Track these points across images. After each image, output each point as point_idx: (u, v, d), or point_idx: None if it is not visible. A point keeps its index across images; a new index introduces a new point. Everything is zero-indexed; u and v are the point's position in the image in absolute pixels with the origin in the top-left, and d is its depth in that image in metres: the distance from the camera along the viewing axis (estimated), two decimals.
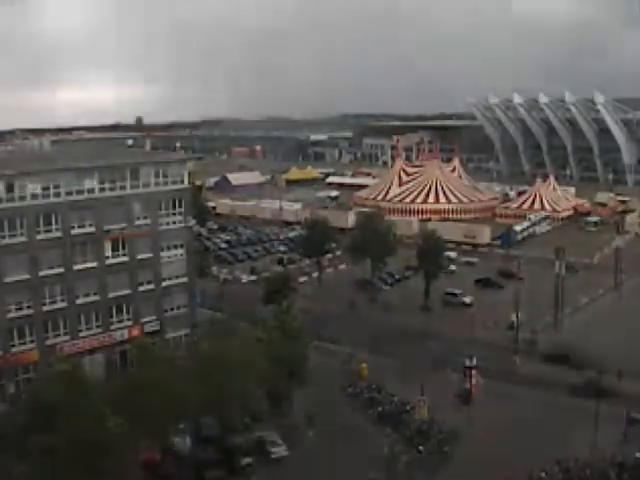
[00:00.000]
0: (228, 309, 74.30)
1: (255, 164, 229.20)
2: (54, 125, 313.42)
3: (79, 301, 57.49)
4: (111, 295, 59.20)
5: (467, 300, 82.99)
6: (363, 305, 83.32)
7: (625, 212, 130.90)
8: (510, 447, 48.97)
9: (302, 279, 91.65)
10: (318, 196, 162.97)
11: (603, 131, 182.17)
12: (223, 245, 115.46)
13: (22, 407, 44.59)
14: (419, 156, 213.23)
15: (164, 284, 62.36)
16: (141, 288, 61.06)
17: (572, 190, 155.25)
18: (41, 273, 55.20)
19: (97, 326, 58.77)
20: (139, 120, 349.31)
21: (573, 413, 53.32)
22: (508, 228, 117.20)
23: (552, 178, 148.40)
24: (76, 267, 56.95)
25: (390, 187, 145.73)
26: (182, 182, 63.59)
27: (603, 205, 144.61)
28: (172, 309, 63.27)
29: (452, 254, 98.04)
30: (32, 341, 55.31)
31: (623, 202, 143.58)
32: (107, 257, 58.83)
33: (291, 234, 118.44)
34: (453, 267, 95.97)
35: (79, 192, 56.94)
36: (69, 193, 56.35)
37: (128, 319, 60.51)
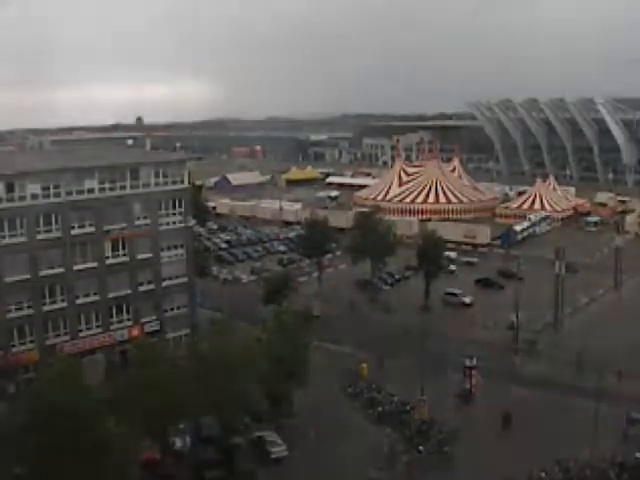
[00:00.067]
0: (228, 309, 74.28)
1: (255, 164, 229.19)
2: (54, 125, 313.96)
3: (79, 301, 57.52)
4: (111, 295, 59.23)
5: (467, 300, 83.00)
6: (363, 305, 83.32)
7: (625, 212, 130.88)
8: (510, 447, 48.98)
9: (302, 279, 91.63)
10: (318, 196, 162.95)
11: (603, 131, 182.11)
12: (223, 245, 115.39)
13: (22, 407, 44.52)
14: (419, 156, 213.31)
15: (164, 284, 62.36)
16: (141, 288, 61.09)
17: (572, 190, 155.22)
18: (41, 273, 55.24)
19: (97, 326, 58.81)
20: (139, 120, 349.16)
21: (573, 413, 53.32)
22: (508, 228, 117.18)
23: (552, 178, 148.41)
24: (76, 267, 56.99)
25: (390, 187, 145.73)
26: (182, 182, 63.61)
27: (603, 205, 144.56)
28: (172, 309, 63.29)
29: (452, 254, 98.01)
30: (32, 341, 55.37)
31: (623, 202, 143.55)
32: (107, 257, 58.87)
33: (291, 234, 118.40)
34: (453, 267, 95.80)
35: (79, 192, 56.98)
36: (69, 193, 56.38)
37: (128, 319, 60.53)
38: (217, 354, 48.06)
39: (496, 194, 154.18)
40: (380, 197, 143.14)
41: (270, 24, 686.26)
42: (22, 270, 54.29)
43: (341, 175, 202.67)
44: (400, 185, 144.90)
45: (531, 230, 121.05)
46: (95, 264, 58.07)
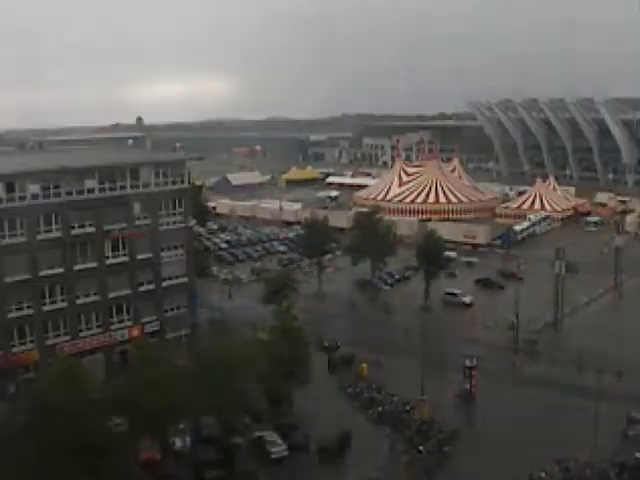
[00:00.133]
0: (228, 309, 74.25)
1: (255, 164, 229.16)
2: (54, 125, 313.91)
3: (79, 301, 57.49)
4: (111, 295, 59.20)
5: (467, 300, 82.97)
6: (363, 305, 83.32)
7: (625, 212, 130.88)
8: (510, 447, 48.96)
9: (302, 279, 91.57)
10: (318, 196, 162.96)
11: (603, 131, 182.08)
12: (223, 245, 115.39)
13: (22, 407, 44.52)
14: (419, 156, 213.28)
15: (164, 284, 62.33)
16: (141, 288, 61.05)
17: (572, 190, 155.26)
18: (41, 273, 55.20)
19: (97, 326, 58.77)
20: (139, 120, 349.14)
21: (573, 413, 53.31)
22: (508, 228, 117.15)
23: (552, 178, 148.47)
24: (76, 267, 56.96)
25: (390, 187, 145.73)
26: (182, 182, 63.58)
27: (603, 205, 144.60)
28: (172, 309, 63.23)
29: (452, 254, 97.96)
30: (32, 341, 55.32)
31: (623, 202, 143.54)
32: (107, 257, 58.83)
33: (291, 234, 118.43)
34: (456, 272, 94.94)
35: (79, 192, 56.94)
36: (69, 193, 56.35)
37: (128, 319, 60.50)
38: (217, 354, 48.08)
39: (496, 194, 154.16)
40: (380, 197, 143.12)
41: (270, 24, 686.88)
42: (22, 270, 54.26)
43: (341, 175, 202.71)
44: (400, 185, 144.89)
45: (531, 230, 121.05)
46: (95, 264, 58.02)
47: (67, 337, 56.95)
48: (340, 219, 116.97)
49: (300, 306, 67.77)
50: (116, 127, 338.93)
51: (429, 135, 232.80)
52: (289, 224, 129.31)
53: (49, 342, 55.95)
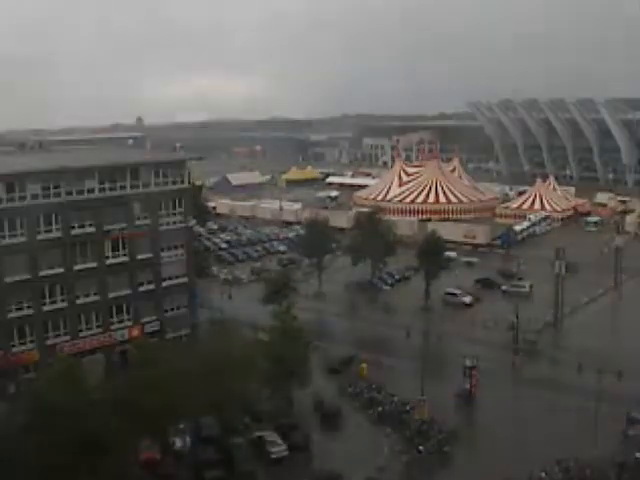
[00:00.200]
0: (228, 309, 74.26)
1: (255, 164, 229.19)
2: (54, 125, 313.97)
3: (79, 301, 57.51)
4: (111, 295, 59.21)
5: (467, 300, 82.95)
6: (363, 305, 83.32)
7: (625, 212, 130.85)
8: (510, 447, 48.97)
9: (302, 279, 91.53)
10: (318, 196, 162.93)
11: (603, 131, 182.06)
12: (223, 245, 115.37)
13: (22, 407, 44.53)
14: (419, 156, 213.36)
15: (164, 284, 62.34)
16: (141, 288, 61.07)
17: (572, 190, 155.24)
18: (41, 273, 55.22)
19: (97, 326, 58.79)
20: (139, 120, 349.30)
21: (573, 413, 53.30)
22: (508, 228, 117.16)
23: (552, 178, 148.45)
24: (76, 267, 56.97)
25: (390, 187, 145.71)
26: (182, 182, 63.58)
27: (603, 205, 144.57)
28: (172, 309, 63.25)
29: (452, 254, 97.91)
30: (32, 341, 55.35)
31: (623, 202, 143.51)
32: (107, 257, 58.86)
33: (291, 234, 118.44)
34: (457, 272, 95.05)
35: (79, 192, 56.95)
36: (69, 193, 56.35)
37: (128, 319, 60.51)
38: (217, 354, 48.06)
39: (496, 194, 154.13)
40: (380, 197, 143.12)
41: (270, 24, 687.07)
42: (22, 270, 54.28)
43: (341, 175, 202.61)
44: (400, 185, 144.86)
45: (531, 230, 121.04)
46: (95, 264, 58.04)
47: (67, 337, 56.97)
48: (340, 219, 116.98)
49: (300, 306, 67.75)
50: (116, 127, 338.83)
51: (429, 135, 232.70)
52: (289, 224, 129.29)
53: (49, 342, 55.98)
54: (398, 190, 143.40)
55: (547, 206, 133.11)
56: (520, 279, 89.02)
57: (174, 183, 62.81)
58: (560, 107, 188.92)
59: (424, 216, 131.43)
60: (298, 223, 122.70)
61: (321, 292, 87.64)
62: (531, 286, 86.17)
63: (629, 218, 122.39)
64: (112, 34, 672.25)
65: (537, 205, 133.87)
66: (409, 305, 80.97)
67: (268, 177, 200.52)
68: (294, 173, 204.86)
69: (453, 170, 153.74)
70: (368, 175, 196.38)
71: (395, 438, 50.88)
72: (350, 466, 46.80)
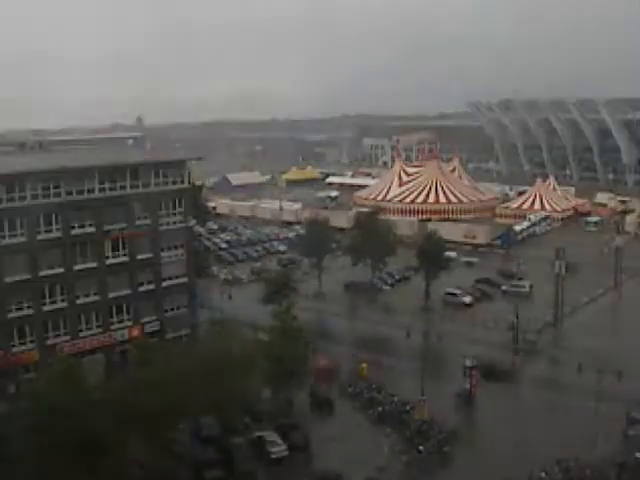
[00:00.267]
0: (228, 309, 74.26)
1: (255, 164, 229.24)
2: (54, 125, 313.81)
3: (79, 301, 57.50)
4: (111, 295, 59.20)
5: (467, 300, 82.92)
6: (363, 305, 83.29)
7: (625, 212, 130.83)
8: (510, 447, 48.96)
9: (302, 279, 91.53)
10: (318, 196, 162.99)
11: (603, 131, 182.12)
12: (223, 245, 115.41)
13: (22, 407, 44.53)
14: (419, 156, 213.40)
15: (164, 284, 62.34)
16: (141, 288, 61.06)
17: (572, 190, 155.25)
18: (41, 273, 55.21)
19: (97, 326, 58.78)
20: (139, 120, 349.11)
21: (573, 413, 53.30)
22: (508, 228, 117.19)
23: (552, 178, 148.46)
24: (76, 267, 56.97)
25: (390, 187, 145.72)
26: (182, 182, 63.57)
27: (603, 205, 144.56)
28: (172, 309, 63.24)
29: (452, 254, 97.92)
30: (32, 341, 55.33)
31: (623, 202, 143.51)
32: (107, 257, 58.85)
33: (291, 234, 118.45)
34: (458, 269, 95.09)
35: (79, 192, 56.94)
36: (69, 193, 56.34)
37: (128, 319, 60.51)
38: (217, 354, 48.05)
39: (496, 194, 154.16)
40: (380, 197, 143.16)
41: (269, 23, 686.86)
42: (22, 270, 54.28)
43: (341, 175, 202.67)
44: (400, 185, 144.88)
45: (531, 230, 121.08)
46: (95, 264, 58.03)
47: (67, 337, 56.96)
48: (340, 219, 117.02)
49: (300, 306, 67.73)
50: (116, 127, 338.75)
51: (429, 135, 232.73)
52: (289, 224, 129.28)
53: (49, 342, 55.96)
54: (398, 190, 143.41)
55: (547, 206, 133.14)
56: (520, 279, 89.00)
57: (174, 183, 62.80)
58: (560, 107, 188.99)
59: (424, 216, 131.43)
60: (298, 223, 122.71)
61: (321, 292, 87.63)
62: (531, 286, 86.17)
63: (629, 218, 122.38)
64: (111, 34, 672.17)
65: (537, 205, 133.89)
66: (409, 305, 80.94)
67: (268, 177, 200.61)
68: (294, 173, 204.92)
69: (453, 170, 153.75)
70: (368, 175, 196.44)
71: (395, 438, 50.87)
72: (350, 466, 46.78)
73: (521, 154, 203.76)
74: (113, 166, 60.27)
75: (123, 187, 59.48)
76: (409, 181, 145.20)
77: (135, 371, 48.02)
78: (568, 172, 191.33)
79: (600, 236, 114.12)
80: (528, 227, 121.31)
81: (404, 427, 52.11)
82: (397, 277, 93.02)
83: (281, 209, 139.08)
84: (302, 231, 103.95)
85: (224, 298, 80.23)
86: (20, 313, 54.63)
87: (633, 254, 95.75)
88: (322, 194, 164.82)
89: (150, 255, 61.24)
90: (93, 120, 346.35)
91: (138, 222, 60.38)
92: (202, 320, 64.96)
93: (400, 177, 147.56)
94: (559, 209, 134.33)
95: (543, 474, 44.86)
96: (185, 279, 64.00)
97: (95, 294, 58.42)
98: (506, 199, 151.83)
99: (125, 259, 59.79)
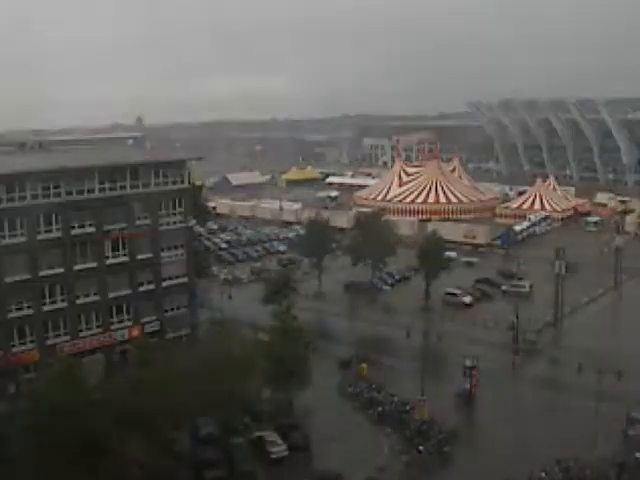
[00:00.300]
0: (228, 309, 74.26)
1: (255, 164, 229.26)
2: (54, 125, 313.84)
3: (79, 301, 57.50)
4: (111, 295, 59.20)
5: (467, 300, 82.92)
6: (363, 305, 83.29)
7: (625, 212, 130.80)
8: (510, 447, 48.95)
9: (302, 279, 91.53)
10: (318, 196, 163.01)
11: (603, 131, 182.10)
12: (223, 245, 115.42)
13: (22, 407, 44.53)
14: (419, 156, 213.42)
15: (164, 284, 62.33)
16: (141, 288, 61.06)
17: (572, 190, 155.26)
18: (41, 273, 55.21)
19: (97, 326, 58.78)
20: (139, 120, 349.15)
21: (573, 413, 53.30)
22: (508, 228, 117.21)
23: (552, 178, 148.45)
24: (76, 267, 56.97)
25: (390, 187, 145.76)
26: (182, 182, 63.57)
27: (603, 205, 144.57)
28: (172, 309, 63.24)
29: (452, 254, 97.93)
30: (32, 341, 55.33)
31: (623, 202, 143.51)
32: (107, 257, 58.84)
33: (291, 234, 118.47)
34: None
35: (79, 192, 56.93)
36: (69, 193, 56.33)
37: (128, 319, 60.51)
38: (217, 354, 48.04)
39: (496, 194, 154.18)
40: (380, 197, 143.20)
41: (269, 25, 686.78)
42: (22, 270, 54.28)
43: (341, 175, 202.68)
44: (400, 185, 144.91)
45: (531, 230, 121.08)
46: (95, 264, 58.03)
47: (67, 337, 56.96)
48: (340, 219, 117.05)
49: (300, 306, 67.73)
50: (116, 127, 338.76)
51: (429, 135, 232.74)
52: (289, 224, 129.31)
53: (49, 342, 55.96)
54: (398, 190, 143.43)
55: (547, 206, 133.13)
56: (520, 279, 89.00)
57: (174, 183, 62.80)
58: (560, 107, 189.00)
59: (424, 216, 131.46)
60: (298, 223, 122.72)
61: (321, 292, 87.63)
62: (531, 286, 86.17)
63: (629, 218, 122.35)
64: (110, 34, 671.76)
65: (537, 205, 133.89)
66: (409, 305, 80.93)
67: (268, 177, 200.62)
68: (294, 173, 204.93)
69: (453, 170, 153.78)
70: (368, 175, 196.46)
71: (395, 438, 50.88)
72: (350, 466, 46.79)
73: (521, 154, 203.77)
74: (113, 166, 60.26)
75: (123, 187, 59.47)
76: (409, 181, 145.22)
77: (135, 371, 47.99)
78: (568, 172, 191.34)
79: (600, 236, 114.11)
80: (528, 227, 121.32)
81: (404, 427, 52.11)
82: (397, 277, 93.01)
83: (281, 209, 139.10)
84: (302, 231, 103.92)
85: (224, 298, 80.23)
86: (20, 313, 54.63)
87: (633, 254, 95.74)
88: (322, 194, 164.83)
89: (150, 255, 61.24)
90: (93, 120, 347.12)
91: (138, 222, 60.37)
92: (202, 320, 64.95)
93: (400, 177, 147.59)
94: (559, 209, 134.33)
95: (543, 474, 44.87)
96: (185, 279, 63.99)
97: (95, 294, 58.41)
98: (506, 199, 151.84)
99: (125, 259, 59.79)
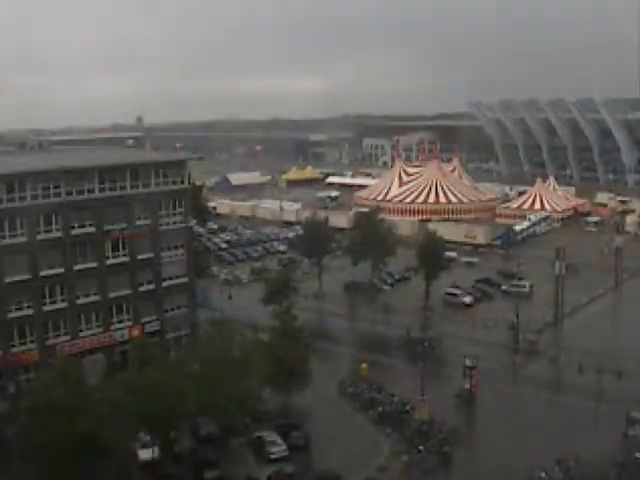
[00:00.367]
0: (228, 309, 74.28)
1: (255, 164, 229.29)
2: (54, 125, 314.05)
3: (79, 301, 57.46)
4: (111, 295, 59.16)
5: (467, 300, 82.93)
6: (363, 305, 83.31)
7: (625, 212, 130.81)
8: (510, 447, 48.95)
9: (302, 279, 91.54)
10: (318, 196, 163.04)
11: (603, 131, 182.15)
12: (223, 245, 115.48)
13: (22, 407, 44.55)
14: (419, 156, 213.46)
15: (164, 284, 62.31)
16: (141, 288, 61.02)
17: (572, 190, 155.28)
18: (41, 273, 55.18)
19: (97, 326, 58.74)
20: (139, 120, 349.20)
21: (573, 413, 53.31)
22: (508, 228, 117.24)
23: (552, 178, 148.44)
24: (76, 267, 56.93)
25: (390, 187, 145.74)
26: (182, 182, 63.58)
27: (603, 205, 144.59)
28: (172, 309, 63.20)
29: (452, 254, 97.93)
30: (32, 341, 55.27)
31: (623, 202, 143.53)
32: (107, 257, 58.80)
33: (291, 234, 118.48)
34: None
35: (79, 192, 56.91)
36: (69, 193, 56.32)
37: (128, 319, 60.48)
38: (217, 354, 48.05)
39: (496, 194, 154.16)
40: (380, 197, 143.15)
41: (268, 22, 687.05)
42: (22, 270, 54.24)
43: (341, 175, 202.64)
44: (400, 185, 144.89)
45: (531, 230, 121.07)
46: (95, 264, 57.99)
47: (67, 337, 56.90)
48: (340, 219, 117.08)
49: (300, 306, 67.77)
50: (116, 127, 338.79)
51: (429, 135, 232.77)
52: (289, 224, 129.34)
53: (49, 342, 55.90)
54: (398, 190, 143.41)
55: (547, 206, 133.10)
56: (520, 279, 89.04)
57: (174, 183, 62.78)
58: (560, 107, 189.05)
59: (424, 216, 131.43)
60: (298, 223, 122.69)
61: (321, 292, 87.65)
62: (531, 286, 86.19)
63: (629, 218, 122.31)
64: (109, 34, 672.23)
65: (537, 205, 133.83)
66: (409, 305, 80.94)
67: (268, 177, 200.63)
68: (294, 173, 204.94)
69: (453, 170, 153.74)
70: (368, 175, 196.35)
71: (395, 438, 50.90)
72: (350, 466, 46.83)
73: (521, 154, 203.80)
74: (113, 166, 60.25)
75: (123, 187, 59.43)
76: (409, 181, 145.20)
77: (135, 371, 48.00)
78: (568, 172, 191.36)
79: (600, 236, 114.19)
80: (528, 227, 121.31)
81: (404, 427, 52.13)
82: (397, 277, 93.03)
83: (281, 209, 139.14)
84: (302, 231, 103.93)
85: (224, 298, 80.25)
86: (20, 313, 54.59)
87: (633, 254, 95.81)
88: (322, 194, 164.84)
89: (150, 255, 61.22)
90: (93, 120, 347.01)
91: (138, 222, 60.34)
92: (202, 320, 64.95)
93: (400, 177, 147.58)
94: (559, 209, 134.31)
95: (543, 474, 44.88)
96: (185, 279, 63.98)
97: (95, 294, 58.38)
98: (506, 199, 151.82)
99: (125, 259, 59.77)
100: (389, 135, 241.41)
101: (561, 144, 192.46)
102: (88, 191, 57.40)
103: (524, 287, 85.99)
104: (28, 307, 54.96)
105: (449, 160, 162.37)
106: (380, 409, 55.13)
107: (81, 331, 57.86)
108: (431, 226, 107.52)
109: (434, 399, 54.23)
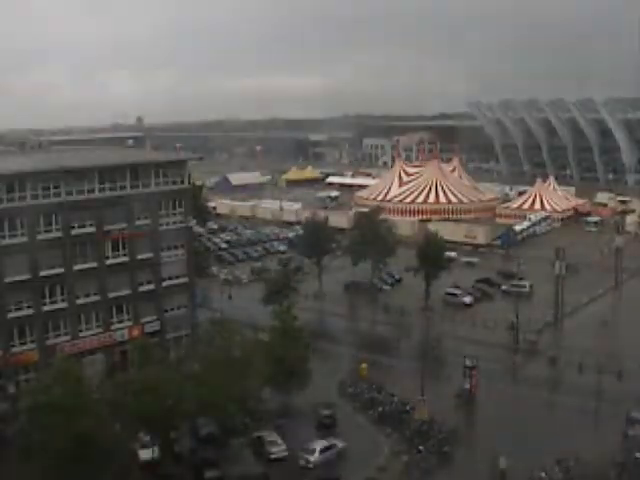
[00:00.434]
0: (228, 309, 74.27)
1: (255, 164, 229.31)
2: (54, 125, 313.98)
3: (79, 301, 57.47)
4: (111, 295, 59.17)
5: (467, 300, 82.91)
6: (363, 305, 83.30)
7: (625, 212, 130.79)
8: (510, 447, 48.92)
9: (302, 279, 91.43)
10: (318, 196, 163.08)
11: (603, 131, 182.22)
12: (223, 245, 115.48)
13: (22, 407, 44.55)
14: (419, 156, 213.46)
15: (164, 284, 62.32)
16: (141, 288, 61.03)
17: (572, 190, 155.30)
18: (41, 273, 55.19)
19: (97, 326, 58.76)
20: (139, 120, 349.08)
21: (573, 413, 53.32)
22: (508, 228, 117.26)
23: (552, 178, 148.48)
24: (76, 267, 56.94)
25: (390, 187, 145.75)
26: (182, 182, 63.59)
27: (603, 205, 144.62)
28: (172, 309, 63.22)
29: (452, 254, 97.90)
30: (32, 341, 55.31)
31: (623, 202, 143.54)
32: (107, 257, 58.82)
33: (291, 234, 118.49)
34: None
35: (79, 192, 56.93)
36: (69, 193, 56.34)
37: (128, 319, 60.50)
38: (217, 354, 48.04)
39: (496, 194, 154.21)
40: (380, 197, 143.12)
41: (267, 22, 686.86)
42: (22, 270, 54.26)
43: (341, 175, 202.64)
44: (400, 185, 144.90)
45: (531, 230, 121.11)
46: (95, 264, 58.01)
47: (67, 337, 56.93)
48: (340, 219, 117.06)
49: (300, 306, 67.77)
50: (116, 127, 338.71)
51: (429, 135, 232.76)
52: (289, 224, 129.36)
53: (49, 342, 55.92)
54: (398, 190, 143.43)
55: (547, 206, 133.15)
56: (520, 279, 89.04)
57: (174, 183, 62.80)
58: (560, 107, 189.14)
59: (424, 216, 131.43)
60: (298, 223, 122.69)
61: (321, 292, 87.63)
62: (531, 286, 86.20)
63: (629, 218, 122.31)
64: (109, 34, 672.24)
65: (537, 205, 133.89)
66: (409, 305, 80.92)
67: (268, 177, 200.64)
68: (294, 173, 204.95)
69: (453, 170, 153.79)
70: (368, 175, 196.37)
71: (395, 438, 50.90)
72: (350, 466, 46.83)
73: (521, 154, 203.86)
74: (113, 166, 60.26)
75: (123, 187, 59.46)
76: (409, 181, 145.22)
77: (135, 371, 47.99)
78: (568, 172, 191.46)
79: (600, 236, 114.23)
80: (528, 227, 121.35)
81: (404, 427, 52.14)
82: (397, 277, 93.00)
83: (281, 209, 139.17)
84: (302, 231, 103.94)
85: (224, 298, 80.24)
86: (20, 313, 54.62)
87: (633, 254, 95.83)
88: (322, 194, 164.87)
89: (150, 255, 61.24)
90: (93, 120, 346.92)
91: (138, 222, 60.36)
92: (202, 320, 64.95)
93: (400, 177, 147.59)
94: (559, 209, 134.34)
95: (543, 474, 44.90)
96: (185, 279, 63.99)
97: (95, 294, 58.39)
98: (506, 199, 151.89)
99: (125, 259, 59.78)
100: (389, 135, 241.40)
101: (561, 144, 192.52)
102: (88, 191, 57.43)
103: (524, 287, 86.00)
104: (28, 307, 54.99)
105: (449, 160, 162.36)
106: (380, 409, 55.15)
107: (81, 331, 57.88)
108: (431, 226, 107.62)
109: (434, 399, 54.25)
